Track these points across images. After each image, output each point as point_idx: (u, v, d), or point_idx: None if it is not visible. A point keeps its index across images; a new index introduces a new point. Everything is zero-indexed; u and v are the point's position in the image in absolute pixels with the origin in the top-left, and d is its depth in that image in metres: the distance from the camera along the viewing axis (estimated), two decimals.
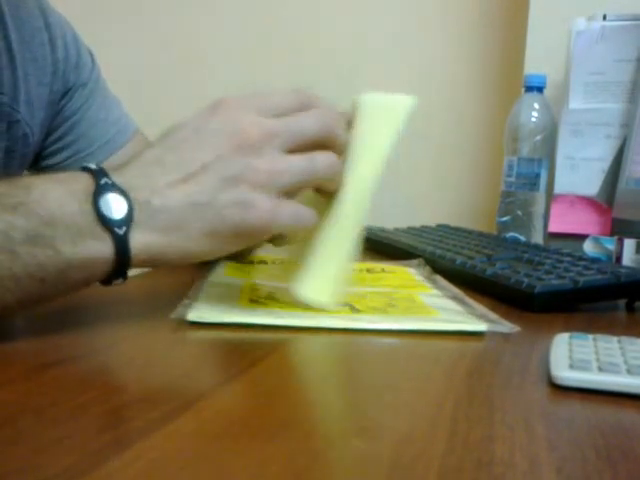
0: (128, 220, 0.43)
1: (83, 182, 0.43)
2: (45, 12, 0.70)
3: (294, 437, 0.31)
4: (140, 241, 0.43)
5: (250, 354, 0.44)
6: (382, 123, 0.54)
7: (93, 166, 0.44)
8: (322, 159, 0.48)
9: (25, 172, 0.73)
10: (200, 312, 0.49)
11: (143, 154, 0.46)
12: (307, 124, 0.47)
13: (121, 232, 0.42)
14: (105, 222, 0.42)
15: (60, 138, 0.74)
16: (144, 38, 1.38)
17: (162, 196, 0.44)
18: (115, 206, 0.42)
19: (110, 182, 0.43)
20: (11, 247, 0.40)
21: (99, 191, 0.42)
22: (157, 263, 0.46)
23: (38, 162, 0.74)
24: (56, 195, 0.42)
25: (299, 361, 0.43)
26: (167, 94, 1.35)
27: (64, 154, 0.74)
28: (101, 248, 0.42)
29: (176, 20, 1.38)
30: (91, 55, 0.77)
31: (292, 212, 0.47)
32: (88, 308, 0.52)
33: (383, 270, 0.73)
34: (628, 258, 0.79)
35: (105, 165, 0.45)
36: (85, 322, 0.50)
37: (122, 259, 0.43)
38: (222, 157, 0.45)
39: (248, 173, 0.45)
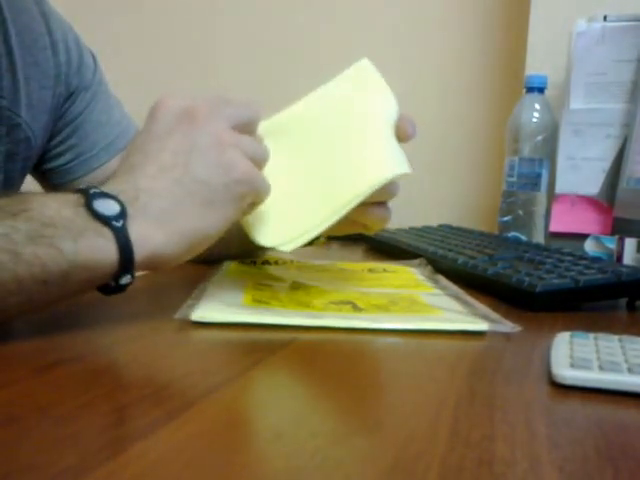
0: (123, 214, 0.44)
1: (74, 194, 0.45)
2: (47, 16, 0.71)
3: (296, 436, 0.31)
4: (140, 232, 0.44)
5: (253, 354, 0.44)
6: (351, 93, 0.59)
7: (82, 186, 0.47)
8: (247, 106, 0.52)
9: (30, 175, 0.73)
10: (203, 312, 0.49)
11: (118, 170, 0.49)
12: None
13: (119, 224, 0.44)
14: (102, 218, 0.43)
15: (63, 141, 0.74)
16: (144, 38, 1.39)
17: (146, 189, 0.46)
18: (108, 206, 0.44)
19: (98, 191, 0.45)
20: (14, 248, 0.41)
21: (90, 198, 0.44)
22: (164, 258, 0.46)
23: (41, 165, 0.74)
24: (53, 203, 0.44)
25: (302, 360, 0.44)
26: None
27: (67, 157, 0.74)
28: (103, 244, 0.43)
29: (177, 20, 1.38)
30: (93, 57, 0.77)
31: (257, 147, 0.51)
32: (91, 308, 0.53)
33: (385, 270, 0.73)
34: (629, 257, 0.79)
35: (111, 171, 0.49)
36: (88, 322, 0.50)
37: (125, 254, 0.44)
38: (182, 136, 0.48)
39: (209, 138, 0.48)
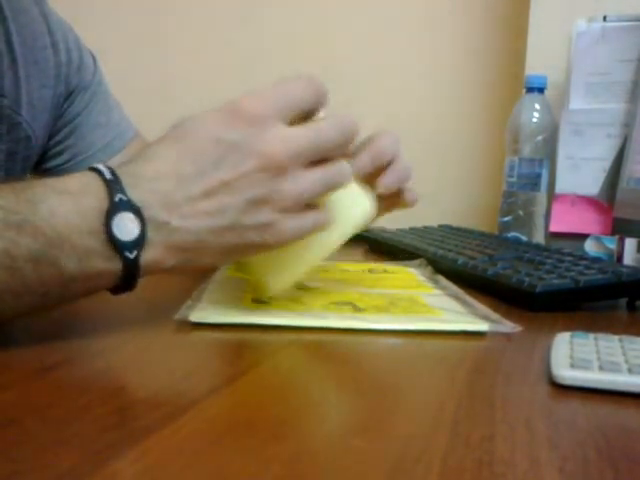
0: (140, 241, 0.41)
1: (95, 196, 0.41)
2: (47, 16, 0.71)
3: (296, 437, 0.31)
4: (152, 259, 0.42)
5: (253, 354, 0.44)
6: None
7: (105, 171, 0.42)
8: (339, 171, 0.47)
9: (28, 175, 0.73)
10: (203, 313, 0.49)
11: (157, 159, 0.43)
12: (330, 137, 0.46)
13: (131, 256, 0.41)
14: (116, 244, 0.40)
15: (61, 141, 0.74)
16: (144, 39, 1.39)
17: (181, 216, 0.42)
18: (129, 227, 0.40)
19: (125, 199, 0.41)
20: (13, 265, 0.39)
21: (112, 211, 0.40)
22: (164, 273, 0.45)
23: (40, 164, 0.74)
24: (64, 212, 0.40)
25: (301, 361, 0.44)
26: (168, 95, 1.35)
27: (64, 157, 0.74)
28: (108, 267, 0.41)
29: (177, 20, 1.38)
30: (93, 58, 0.78)
31: (311, 224, 0.47)
32: (90, 309, 0.52)
33: (385, 270, 0.73)
34: (629, 257, 0.79)
35: (115, 164, 0.43)
36: (87, 323, 0.50)
37: (129, 280, 0.42)
38: (246, 176, 0.43)
39: (273, 196, 0.44)
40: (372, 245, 0.96)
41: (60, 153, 0.74)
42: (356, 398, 0.37)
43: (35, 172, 0.75)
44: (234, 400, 0.36)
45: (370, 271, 0.72)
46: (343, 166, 0.48)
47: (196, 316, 0.48)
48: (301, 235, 0.46)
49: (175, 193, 0.42)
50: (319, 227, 0.47)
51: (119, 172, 0.42)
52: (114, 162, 0.74)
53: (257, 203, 0.43)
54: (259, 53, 1.34)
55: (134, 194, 0.41)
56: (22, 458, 0.27)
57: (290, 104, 0.45)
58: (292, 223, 0.45)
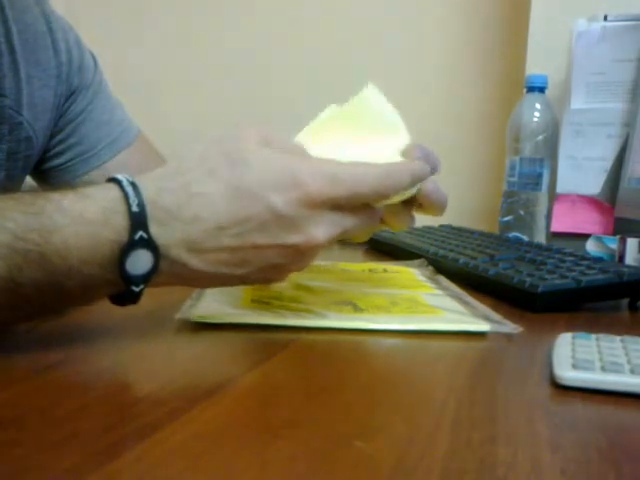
0: (151, 275, 0.41)
1: (115, 230, 0.39)
2: (48, 16, 0.71)
3: (297, 438, 0.31)
4: (155, 282, 0.42)
5: (253, 354, 0.44)
6: None
7: (133, 203, 0.39)
8: (369, 218, 0.47)
9: (28, 175, 0.73)
10: (204, 312, 0.49)
11: (201, 200, 0.40)
12: (368, 222, 0.47)
13: (138, 289, 0.41)
14: (125, 278, 0.40)
15: (63, 140, 0.74)
16: (145, 40, 1.39)
17: (201, 259, 0.41)
18: (143, 263, 0.40)
19: (146, 237, 0.39)
20: (15, 289, 0.38)
21: (130, 247, 0.39)
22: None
23: (40, 165, 0.74)
24: (79, 246, 0.38)
25: (302, 361, 0.43)
26: (168, 96, 1.35)
27: (67, 155, 0.74)
28: (112, 290, 0.42)
29: (178, 21, 1.38)
30: (93, 58, 0.78)
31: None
32: (91, 308, 0.52)
33: (385, 270, 0.73)
34: (631, 257, 0.78)
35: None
36: (89, 322, 0.50)
37: (131, 302, 0.43)
38: (281, 249, 0.43)
39: (293, 265, 0.45)
40: (372, 245, 0.95)
41: (63, 152, 0.74)
42: (357, 398, 0.37)
43: (36, 171, 0.75)
44: (235, 400, 0.35)
45: (371, 271, 0.72)
46: (376, 216, 0.48)
47: (197, 316, 0.48)
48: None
49: (205, 241, 0.41)
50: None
51: (150, 201, 0.39)
52: (119, 160, 0.75)
53: (276, 267, 0.44)
54: (261, 53, 1.34)
55: (159, 232, 0.40)
56: (23, 457, 0.27)
57: (358, 195, 0.44)
58: (301, 265, 0.46)
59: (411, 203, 0.54)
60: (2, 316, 0.40)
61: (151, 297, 0.44)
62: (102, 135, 0.76)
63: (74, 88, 0.73)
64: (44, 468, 0.27)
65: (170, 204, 0.40)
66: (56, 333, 0.46)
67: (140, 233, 0.39)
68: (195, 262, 0.41)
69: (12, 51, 0.66)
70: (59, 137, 0.74)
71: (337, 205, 0.44)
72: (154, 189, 0.40)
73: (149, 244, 0.39)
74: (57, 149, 0.74)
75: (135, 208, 0.39)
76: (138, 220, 0.39)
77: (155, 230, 0.39)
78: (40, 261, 0.38)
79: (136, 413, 0.33)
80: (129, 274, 0.40)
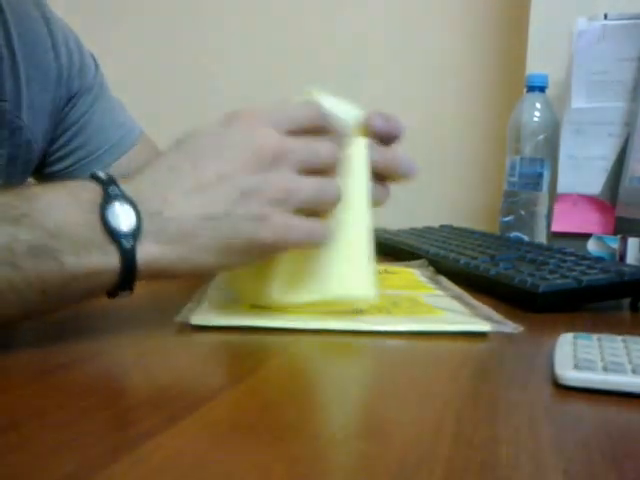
0: (136, 232, 0.41)
1: (90, 191, 0.42)
2: (48, 19, 0.71)
3: (298, 439, 0.31)
4: (148, 253, 0.42)
5: (254, 357, 0.44)
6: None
7: (102, 174, 0.43)
8: (332, 187, 0.48)
9: (29, 179, 0.73)
10: (204, 315, 0.49)
11: (156, 162, 0.45)
12: (321, 151, 0.47)
13: (128, 245, 0.41)
14: (112, 234, 0.41)
15: (65, 144, 0.74)
16: (145, 41, 1.39)
17: (174, 207, 0.43)
18: (123, 217, 0.41)
19: (119, 191, 0.42)
20: (14, 260, 0.39)
21: (106, 200, 0.41)
22: (164, 275, 0.45)
23: (42, 169, 0.74)
24: (61, 204, 0.41)
25: (303, 363, 0.43)
26: (169, 97, 1.35)
27: (70, 160, 0.74)
28: (106, 260, 0.41)
29: (178, 22, 1.38)
30: (94, 60, 0.77)
31: (306, 229, 0.46)
32: (91, 312, 0.52)
33: (386, 271, 0.73)
34: (632, 257, 0.78)
35: (116, 173, 0.44)
36: (88, 326, 0.50)
37: (128, 272, 0.42)
38: (239, 169, 0.44)
39: (265, 187, 0.44)
40: (373, 246, 0.95)
41: (66, 156, 0.74)
42: (358, 400, 0.37)
43: (38, 176, 0.74)
44: (235, 403, 0.35)
45: None
46: (336, 185, 0.48)
47: (197, 319, 0.48)
48: (296, 239, 0.46)
49: (171, 186, 0.43)
50: (314, 238, 0.47)
51: (117, 176, 0.44)
52: (124, 162, 0.75)
53: (248, 194, 0.44)
54: (261, 54, 1.34)
55: (128, 188, 0.42)
56: (22, 461, 0.27)
57: (285, 118, 0.47)
58: (285, 220, 0.45)
59: (381, 175, 0.54)
60: (5, 301, 0.40)
61: (151, 300, 0.44)
62: (103, 139, 0.76)
63: (75, 91, 0.73)
64: (44, 472, 0.26)
65: (133, 175, 0.45)
66: (55, 336, 0.45)
67: (113, 188, 0.42)
68: (169, 210, 0.43)
69: (12, 55, 0.66)
70: (60, 141, 0.73)
71: (277, 125, 0.46)
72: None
73: (124, 197, 0.42)
74: (59, 154, 0.74)
75: (104, 176, 0.43)
76: (108, 181, 0.43)
77: (124, 187, 0.43)
78: (30, 224, 0.40)
79: (136, 417, 0.33)
80: (113, 228, 0.41)
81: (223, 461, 0.28)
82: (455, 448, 0.30)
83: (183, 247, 0.43)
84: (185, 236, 0.43)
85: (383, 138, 0.53)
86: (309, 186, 0.46)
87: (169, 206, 0.43)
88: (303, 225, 0.46)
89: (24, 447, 0.29)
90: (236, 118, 0.46)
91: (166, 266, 0.43)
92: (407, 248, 0.85)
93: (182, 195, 0.43)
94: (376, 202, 0.54)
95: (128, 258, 0.42)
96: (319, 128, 0.48)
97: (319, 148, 0.47)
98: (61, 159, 0.74)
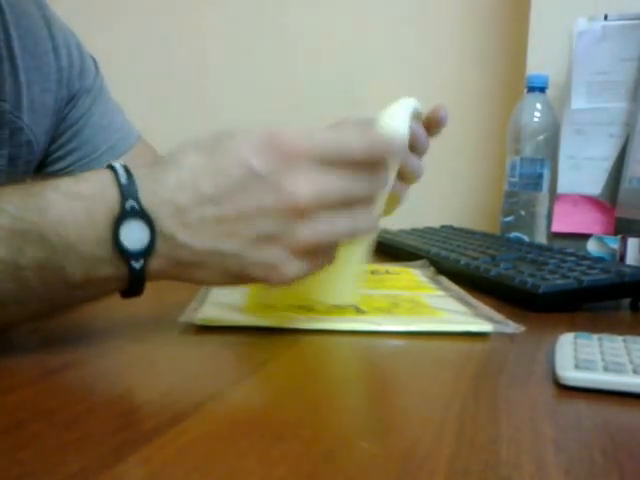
0: (147, 251, 0.40)
1: (107, 202, 0.40)
2: (49, 21, 0.71)
3: (302, 439, 0.31)
4: (156, 269, 0.42)
5: (257, 357, 0.44)
6: None
7: (122, 176, 0.40)
8: (366, 221, 0.46)
9: (28, 179, 0.73)
10: (208, 315, 0.49)
11: (183, 166, 0.42)
12: (362, 188, 0.44)
13: (137, 266, 0.41)
14: (123, 253, 0.40)
15: (64, 145, 0.74)
16: (145, 42, 1.39)
17: (190, 233, 0.41)
18: (137, 236, 0.40)
19: (137, 207, 0.40)
20: (19, 274, 0.39)
21: (123, 217, 0.40)
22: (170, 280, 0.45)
23: (42, 168, 0.74)
24: (73, 219, 0.39)
25: (305, 363, 0.44)
26: (169, 99, 1.35)
27: (68, 160, 0.74)
28: (114, 274, 0.41)
29: (178, 23, 1.38)
30: (94, 62, 0.78)
31: (311, 270, 0.45)
32: (95, 312, 0.52)
33: (387, 272, 0.73)
34: (632, 257, 0.79)
35: (133, 165, 0.42)
36: (92, 326, 0.50)
37: (135, 288, 0.42)
38: (264, 212, 0.41)
39: (286, 238, 0.42)
40: (374, 246, 0.95)
41: (63, 157, 0.74)
42: (360, 400, 0.37)
43: (37, 176, 0.75)
44: (239, 402, 0.36)
45: (372, 272, 0.72)
46: (370, 218, 0.46)
47: (201, 318, 0.49)
48: (300, 277, 0.44)
49: (189, 210, 0.41)
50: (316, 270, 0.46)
51: (141, 174, 0.41)
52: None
53: (267, 239, 0.42)
54: (261, 55, 1.34)
55: (149, 201, 0.40)
56: (28, 461, 0.28)
57: (336, 150, 0.43)
58: (297, 271, 0.43)
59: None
60: (8, 313, 0.40)
61: (155, 300, 0.44)
62: (101, 140, 0.76)
63: (74, 93, 0.74)
64: (50, 472, 0.27)
65: (158, 172, 0.42)
66: (60, 336, 0.46)
67: (131, 203, 0.40)
68: (182, 235, 0.41)
69: (12, 56, 0.66)
70: (59, 142, 0.74)
71: (322, 162, 0.42)
72: (147, 165, 0.43)
73: (142, 214, 0.40)
74: (57, 154, 0.74)
75: (124, 180, 0.40)
76: (128, 190, 0.40)
77: (145, 200, 0.40)
78: (39, 240, 0.39)
79: (141, 416, 0.33)
80: (125, 247, 0.40)
81: (227, 460, 0.28)
82: (457, 448, 0.30)
83: (190, 270, 0.43)
84: (194, 264, 0.42)
85: (433, 126, 0.56)
86: (337, 230, 0.44)
87: (183, 229, 0.41)
88: (308, 269, 0.44)
89: (29, 447, 0.29)
90: (275, 146, 0.42)
91: (171, 278, 0.44)
92: (408, 248, 0.85)
93: (198, 221, 0.41)
94: (397, 199, 0.54)
95: (137, 274, 0.41)
96: (369, 160, 0.44)
97: (359, 187, 0.44)
98: (60, 159, 0.74)
